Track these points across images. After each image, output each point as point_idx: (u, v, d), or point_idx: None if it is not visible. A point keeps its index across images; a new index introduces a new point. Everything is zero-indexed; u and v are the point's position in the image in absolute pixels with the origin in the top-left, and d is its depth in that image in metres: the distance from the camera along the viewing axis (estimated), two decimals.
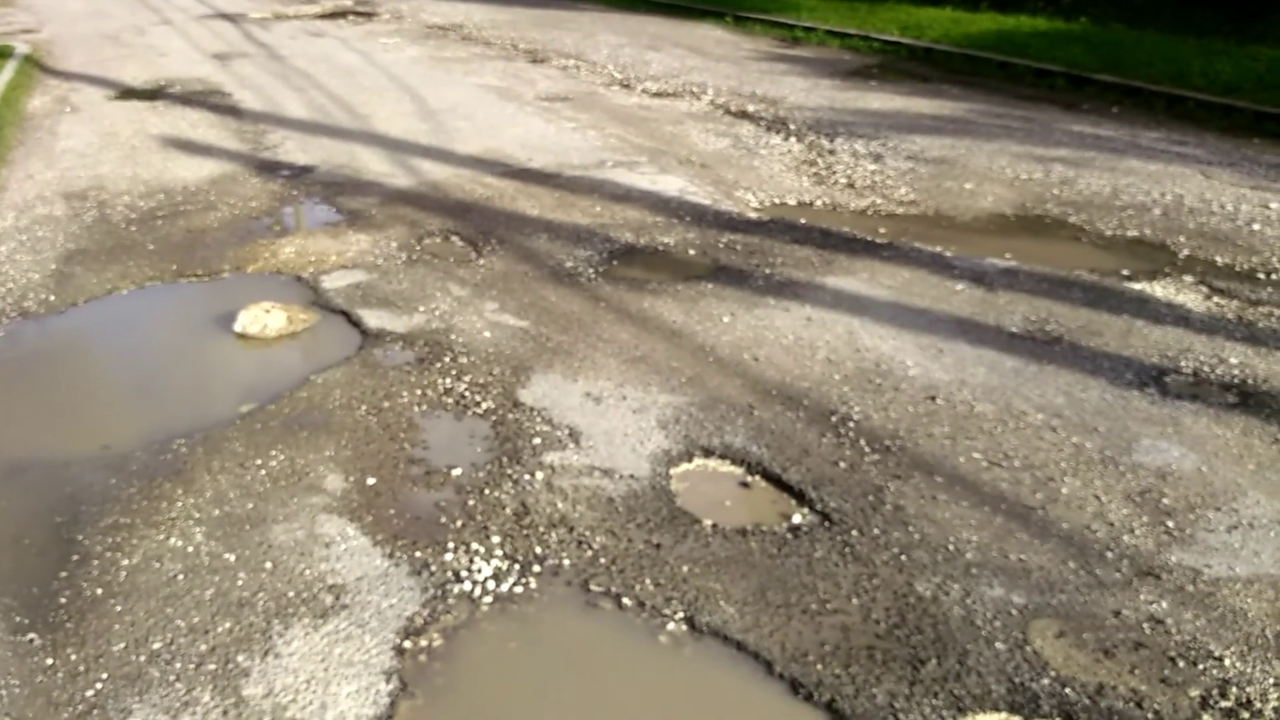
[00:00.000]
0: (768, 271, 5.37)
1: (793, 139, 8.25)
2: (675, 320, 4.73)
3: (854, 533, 3.20)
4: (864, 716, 2.48)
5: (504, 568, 3.06)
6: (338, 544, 3.20)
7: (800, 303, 4.96)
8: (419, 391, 4.15)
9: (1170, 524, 3.24)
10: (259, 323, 4.66)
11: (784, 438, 3.73)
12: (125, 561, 3.15)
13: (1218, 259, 5.67)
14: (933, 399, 4.02)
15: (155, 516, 3.36)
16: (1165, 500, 3.37)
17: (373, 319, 4.78)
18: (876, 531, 3.20)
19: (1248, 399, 4.08)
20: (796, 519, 3.29)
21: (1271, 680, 2.59)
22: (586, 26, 14.37)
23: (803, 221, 6.25)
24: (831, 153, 7.84)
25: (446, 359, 4.41)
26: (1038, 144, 8.05)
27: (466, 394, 4.12)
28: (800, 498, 3.40)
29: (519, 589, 2.98)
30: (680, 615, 2.85)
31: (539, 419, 3.89)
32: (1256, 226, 6.16)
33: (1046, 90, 10.15)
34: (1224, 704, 2.52)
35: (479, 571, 3.05)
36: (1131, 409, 3.98)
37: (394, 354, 4.47)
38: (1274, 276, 5.41)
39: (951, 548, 3.13)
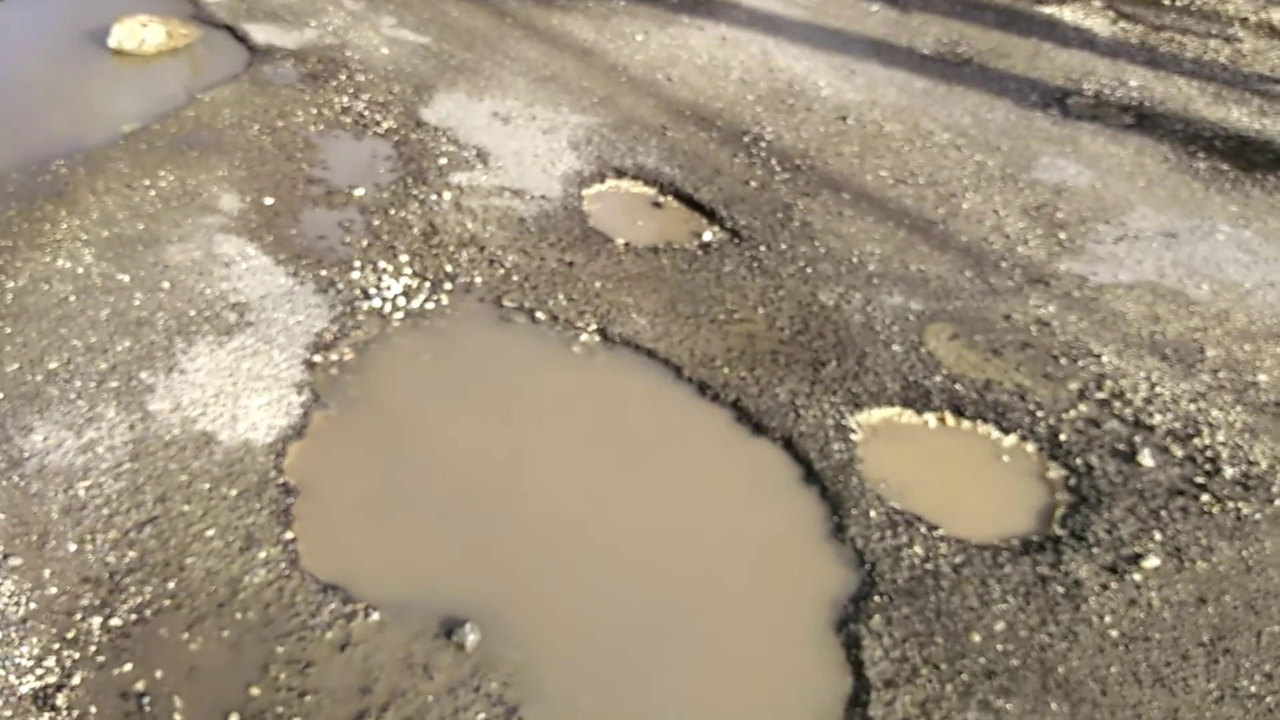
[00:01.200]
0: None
1: None
2: (586, 38, 4.55)
3: (762, 248, 3.24)
4: (767, 413, 2.60)
5: (414, 285, 3.04)
6: (238, 263, 3.13)
7: (715, 21, 4.80)
8: (314, 110, 3.96)
9: (1062, 235, 3.36)
10: (135, 37, 4.35)
11: (697, 158, 3.70)
12: (10, 284, 3.04)
13: None
14: (844, 119, 4.00)
15: (39, 239, 3.23)
16: (1059, 214, 3.47)
17: (260, 34, 4.49)
18: (784, 246, 3.25)
19: (1144, 120, 4.15)
20: (707, 236, 3.32)
21: (1143, 374, 2.78)
22: None
23: None
24: None
25: (342, 76, 4.20)
26: None
27: (365, 113, 3.95)
28: (711, 216, 3.41)
29: (430, 305, 2.97)
30: (593, 327, 2.89)
31: (444, 139, 3.78)
32: None
33: None
34: (1099, 395, 2.70)
35: (388, 289, 3.02)
36: (1034, 128, 4.02)
37: (285, 71, 4.23)
38: (1179, 2, 5.39)
39: (855, 260, 3.20)
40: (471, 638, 2.05)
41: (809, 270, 3.15)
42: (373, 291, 3.01)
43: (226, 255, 3.16)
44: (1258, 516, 2.33)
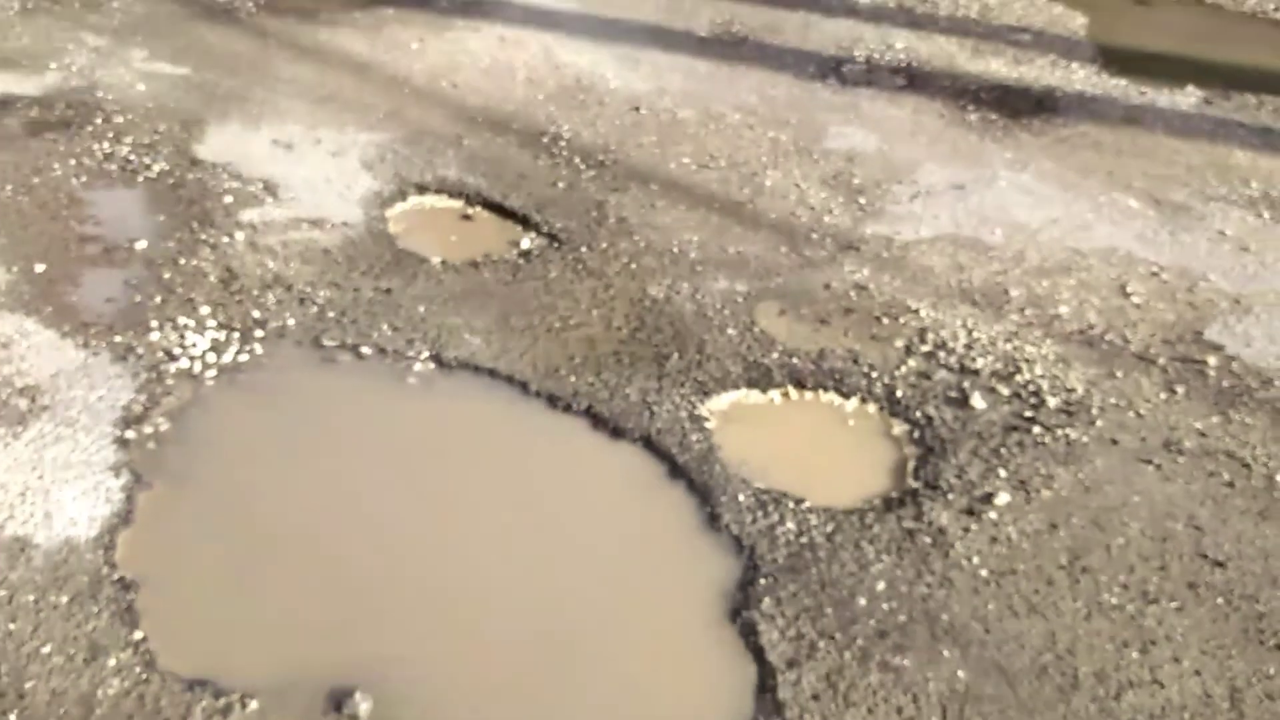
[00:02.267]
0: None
1: None
2: (360, 51, 4.41)
3: (583, 249, 3.24)
4: (622, 415, 2.61)
5: (222, 338, 2.87)
6: (17, 342, 2.86)
7: (490, 22, 4.74)
8: (74, 161, 3.67)
9: (862, 200, 3.51)
10: None
11: (499, 164, 3.66)
12: None
13: None
14: (637, 109, 4.05)
15: None
16: (855, 180, 3.63)
17: None
18: (604, 245, 3.26)
19: (914, 80, 4.39)
20: (525, 244, 3.29)
21: (959, 322, 2.95)
22: None
23: None
24: None
25: (99, 120, 3.90)
26: None
27: (132, 157, 3.69)
28: (525, 222, 3.39)
29: (244, 358, 2.82)
30: (425, 355, 2.82)
31: (225, 175, 3.58)
32: None
33: None
34: (924, 348, 2.85)
35: (194, 347, 2.84)
36: (817, 99, 4.18)
37: (32, 121, 3.91)
38: None
39: (676, 249, 3.25)
40: (364, 706, 1.97)
41: (634, 266, 3.17)
42: (177, 352, 2.82)
43: (2, 335, 2.89)
44: (1085, 439, 2.53)
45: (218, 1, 4.81)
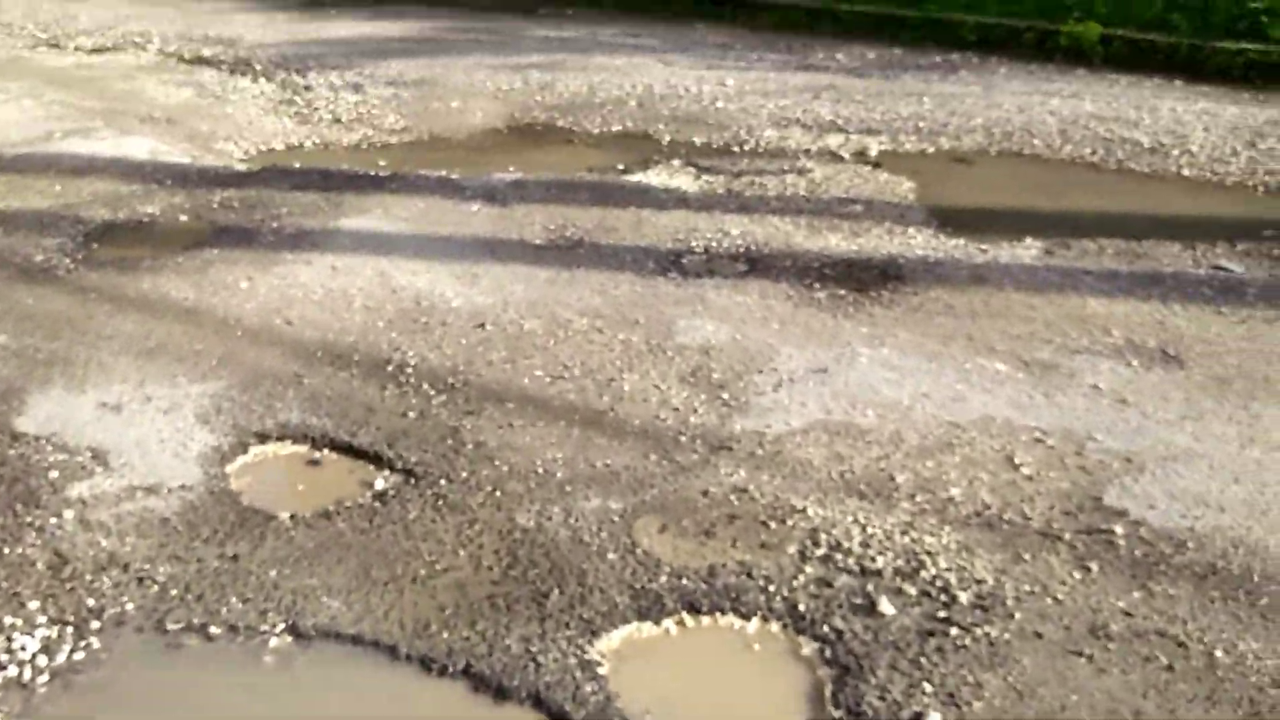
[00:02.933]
0: (276, 225, 4.92)
1: (262, 80, 7.66)
2: (186, 297, 4.19)
3: (442, 482, 3.03)
4: (504, 671, 2.36)
5: (54, 635, 2.53)
6: None
7: (321, 252, 4.61)
8: None
9: (725, 395, 3.42)
10: None
11: (344, 401, 3.45)
12: None
13: (696, 139, 6.07)
14: (482, 326, 3.92)
15: None
16: (715, 375, 3.55)
17: None
18: (464, 474, 3.06)
19: (756, 264, 4.41)
20: (380, 484, 3.06)
21: (850, 518, 2.82)
22: None
23: (298, 166, 5.82)
24: (308, 89, 7.38)
25: None
26: (510, 54, 8.14)
27: None
28: (378, 461, 3.16)
29: (80, 655, 2.48)
30: (281, 627, 2.53)
31: (50, 447, 3.27)
32: (720, 104, 6.69)
33: (503, 0, 10.28)
34: (819, 552, 2.70)
35: (23, 649, 2.49)
36: (662, 295, 4.14)
37: None
38: (747, 147, 5.90)
39: (541, 470, 3.07)
40: None
41: (498, 494, 2.97)
42: (4, 658, 2.47)
43: None
44: (1006, 636, 2.39)
45: (34, 262, 4.55)
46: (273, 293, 4.22)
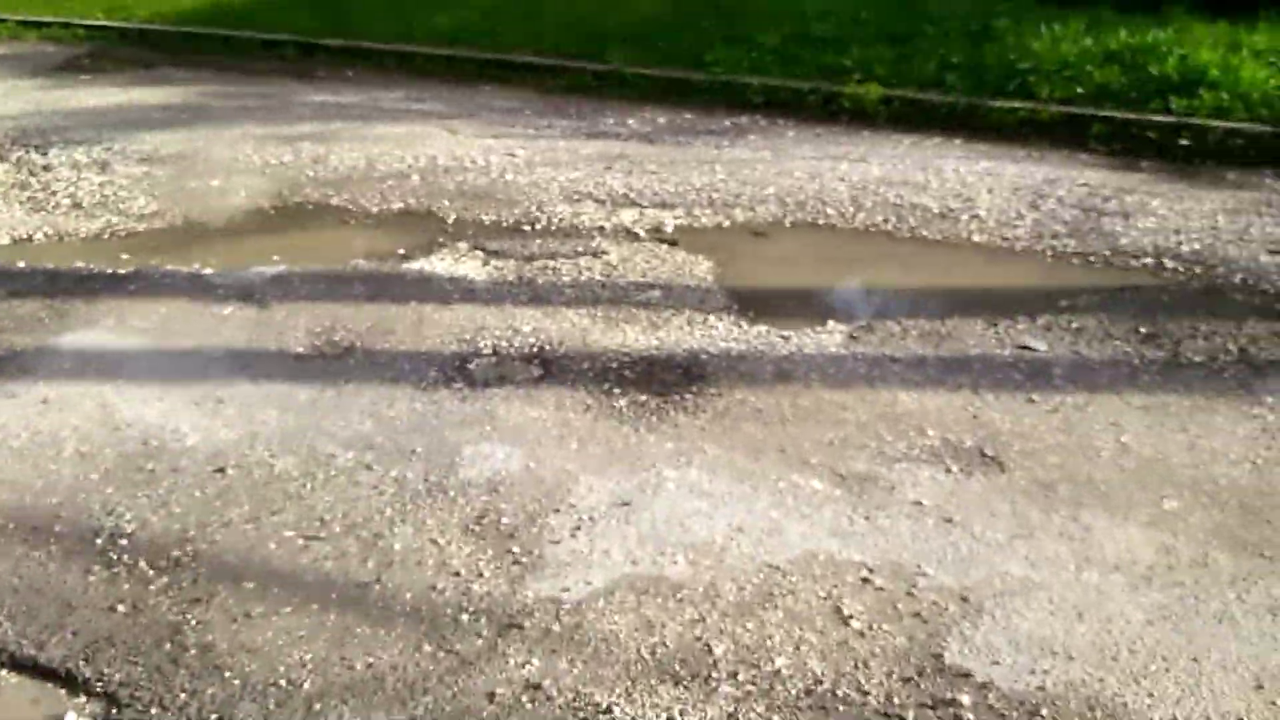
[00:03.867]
0: None
1: None
2: None
3: (154, 711, 2.30)
4: None
5: None
6: None
7: (31, 380, 3.74)
8: None
9: (516, 549, 2.81)
10: None
11: (33, 595, 2.65)
12: None
13: (484, 217, 5.47)
14: (222, 471, 3.18)
15: None
16: (504, 520, 2.93)
17: None
18: (183, 697, 2.33)
19: (550, 367, 3.83)
20: (71, 718, 2.30)
21: (665, 715, 2.25)
22: None
23: (20, 266, 4.88)
24: (47, 168, 6.38)
25: None
26: (281, 122, 7.34)
27: None
28: (70, 683, 2.40)
29: None
30: None
31: None
32: (509, 176, 6.10)
33: (279, 62, 9.44)
34: None
35: None
36: (445, 413, 3.50)
37: None
38: (539, 226, 5.33)
39: (284, 682, 2.37)
40: None
41: None
42: None
43: None
44: None
45: None
46: None
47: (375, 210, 5.62)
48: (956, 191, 5.68)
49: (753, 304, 4.36)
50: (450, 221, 5.43)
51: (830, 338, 4.03)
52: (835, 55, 7.72)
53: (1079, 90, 6.82)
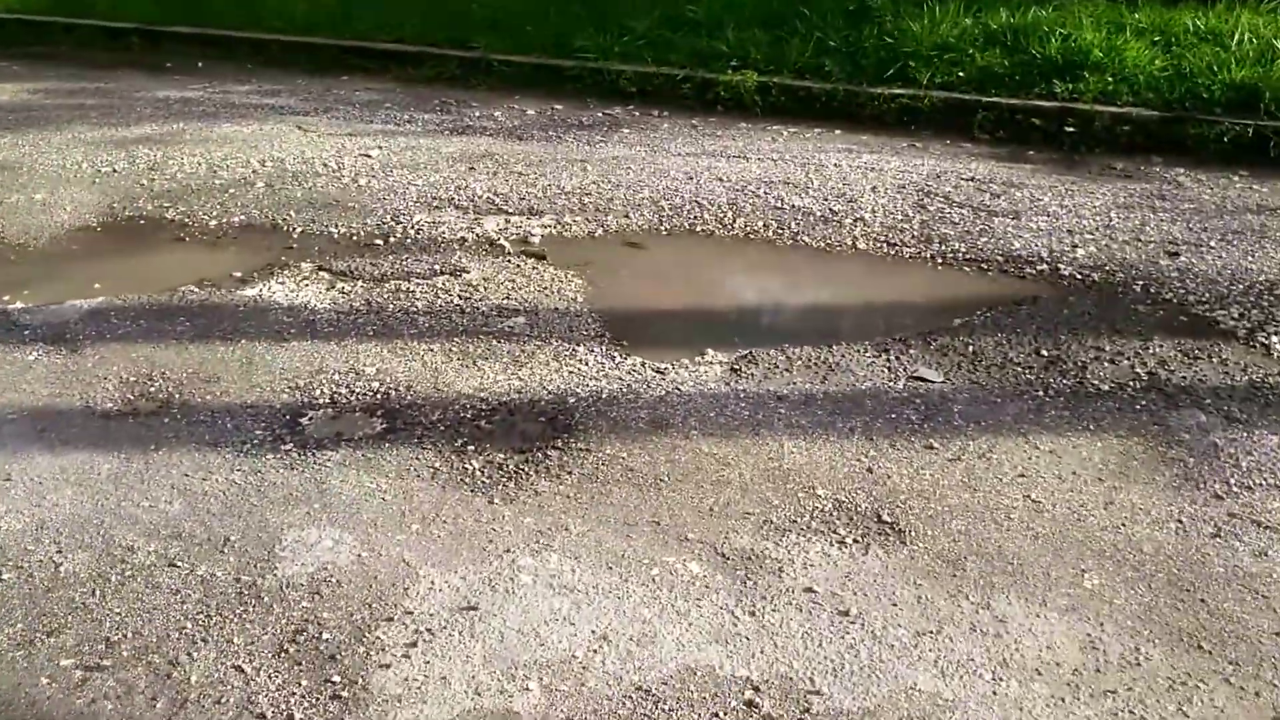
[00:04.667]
0: None
1: None
2: None
3: None
4: None
5: None
6: None
7: None
8: None
9: (337, 677, 2.28)
10: None
11: None
12: None
13: (333, 230, 4.85)
14: None
15: None
16: (325, 636, 2.40)
17: None
18: None
19: (395, 419, 3.29)
20: None
21: None
22: None
23: None
24: None
25: None
26: (118, 123, 6.54)
27: None
28: None
29: None
30: None
31: None
32: (363, 181, 5.48)
33: (124, 53, 8.53)
34: None
35: None
36: (268, 487, 2.94)
37: None
38: (392, 239, 4.74)
39: None
40: None
41: None
42: None
43: None
44: None
45: None
46: None
47: (214, 224, 4.95)
48: (839, 191, 5.27)
49: (626, 330, 3.88)
50: (296, 236, 4.80)
51: (710, 370, 3.57)
52: (709, 40, 7.22)
53: (960, 75, 6.48)
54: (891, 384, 3.48)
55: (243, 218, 5.02)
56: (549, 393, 3.43)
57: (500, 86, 7.28)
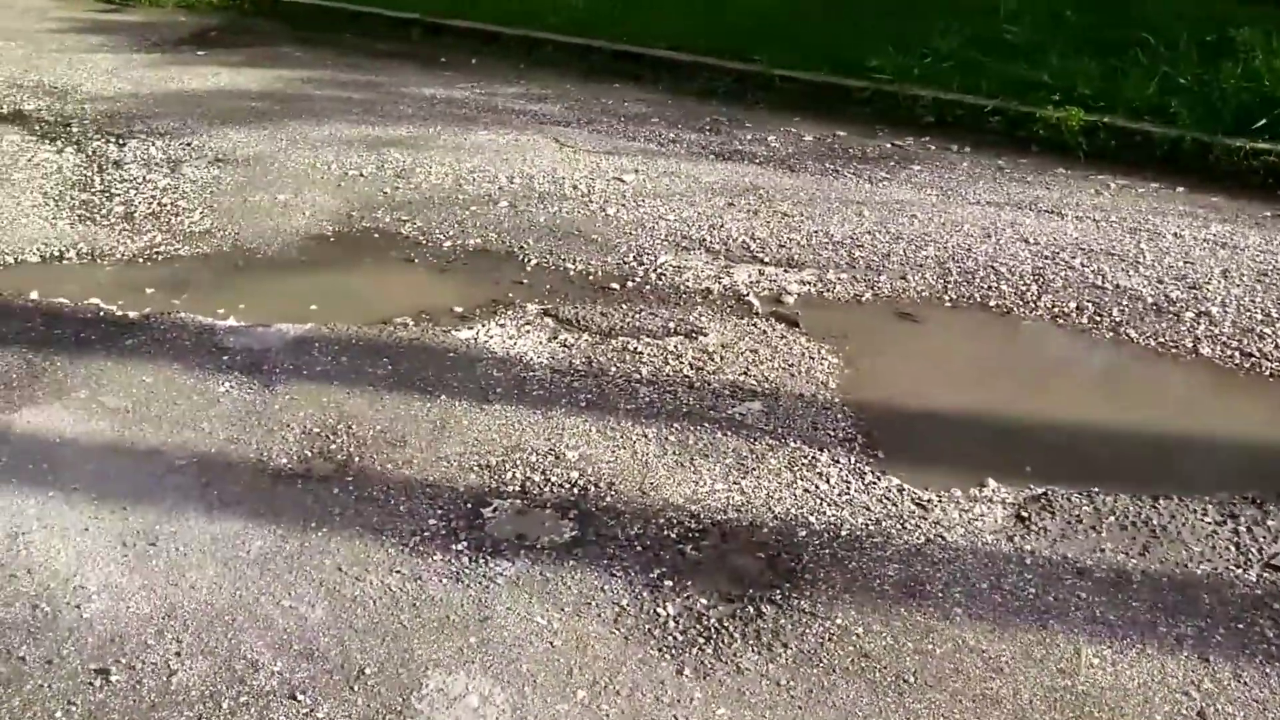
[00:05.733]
0: None
1: (70, 148, 5.99)
2: None
3: None
4: None
5: None
6: None
7: None
8: None
9: None
10: None
11: None
12: None
13: (569, 266, 4.46)
14: (104, 675, 2.31)
15: None
16: None
17: None
18: None
19: (587, 527, 2.79)
20: None
21: None
22: None
23: (30, 299, 4.15)
24: (117, 164, 5.72)
25: None
26: (378, 121, 6.50)
27: None
28: None
29: None
30: None
31: None
32: (612, 210, 5.06)
33: (404, 44, 8.64)
34: None
35: None
36: (424, 604, 2.52)
37: None
38: (630, 284, 4.28)
39: None
40: None
41: None
42: None
43: None
44: None
45: None
46: None
47: (447, 245, 4.69)
48: (1179, 271, 4.32)
49: (885, 435, 3.21)
50: (529, 269, 4.44)
51: (989, 514, 2.84)
52: (1028, 67, 6.32)
53: None
54: (1239, 571, 2.62)
55: (478, 240, 4.73)
56: (775, 517, 2.83)
57: (779, 105, 6.71)
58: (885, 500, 2.90)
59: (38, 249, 4.64)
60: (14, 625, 2.44)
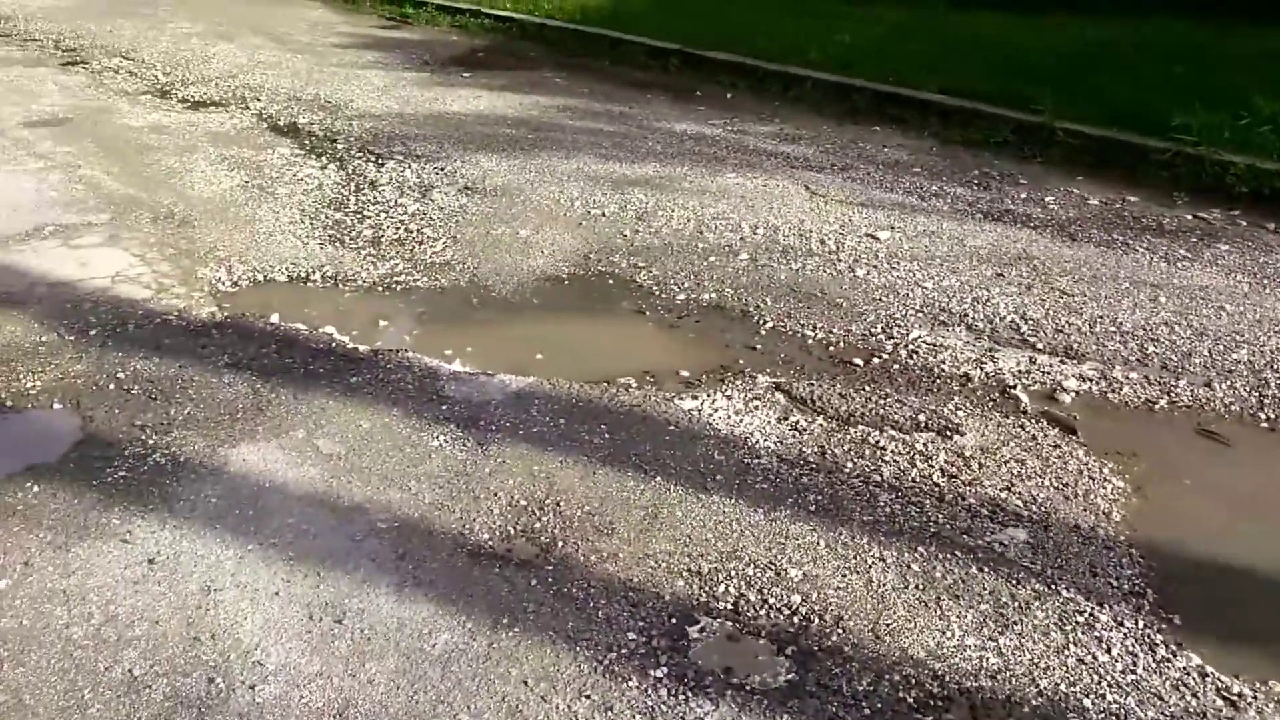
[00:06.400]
0: (149, 443, 3.25)
1: (333, 165, 6.12)
2: None
3: None
4: None
5: None
6: None
7: (155, 521, 2.88)
8: None
9: None
10: None
11: None
12: None
13: (809, 333, 4.04)
14: None
15: None
16: None
17: None
18: None
19: (806, 672, 2.37)
20: None
21: None
22: (164, 12, 11.49)
23: (273, 320, 4.16)
24: (373, 185, 5.78)
25: None
26: (624, 157, 6.29)
27: None
28: None
29: None
30: None
31: None
32: (861, 271, 4.60)
33: (660, 74, 8.47)
34: None
35: None
36: None
37: None
38: (876, 361, 3.81)
39: None
40: None
41: None
42: None
43: None
44: None
45: None
46: (28, 607, 2.51)
47: (680, 299, 4.37)
48: None
49: (1183, 596, 2.61)
50: (764, 332, 4.06)
51: None
52: None
53: None
54: None
55: (713, 296, 4.39)
56: (1040, 693, 2.31)
57: (1060, 161, 6.03)
58: (1182, 687, 2.32)
59: (287, 268, 4.67)
60: (187, 701, 2.28)
